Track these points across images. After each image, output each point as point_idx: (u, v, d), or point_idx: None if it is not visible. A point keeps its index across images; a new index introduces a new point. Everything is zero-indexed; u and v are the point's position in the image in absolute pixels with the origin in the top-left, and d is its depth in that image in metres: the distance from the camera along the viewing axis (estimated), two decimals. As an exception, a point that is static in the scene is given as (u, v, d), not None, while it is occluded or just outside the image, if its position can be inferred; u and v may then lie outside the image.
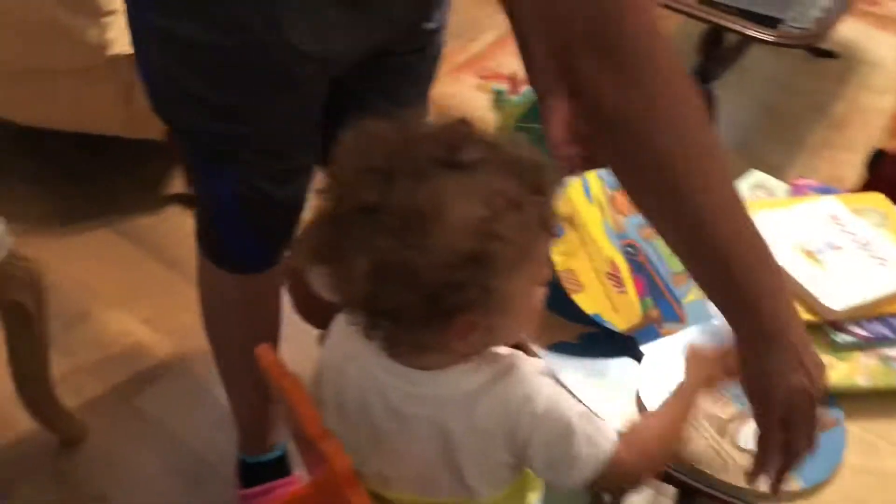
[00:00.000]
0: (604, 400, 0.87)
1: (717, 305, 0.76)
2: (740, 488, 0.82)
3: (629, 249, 1.01)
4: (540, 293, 0.75)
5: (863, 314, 0.94)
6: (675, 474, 0.84)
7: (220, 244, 1.15)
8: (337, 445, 0.74)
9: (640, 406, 0.88)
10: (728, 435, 0.86)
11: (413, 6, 1.01)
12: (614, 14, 0.67)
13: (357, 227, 0.66)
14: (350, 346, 0.78)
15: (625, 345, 0.93)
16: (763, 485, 0.80)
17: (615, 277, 0.98)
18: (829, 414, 0.85)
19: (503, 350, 0.77)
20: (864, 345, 0.92)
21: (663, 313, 0.96)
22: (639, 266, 0.99)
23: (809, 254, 0.98)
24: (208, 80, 0.93)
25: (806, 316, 0.92)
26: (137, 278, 1.78)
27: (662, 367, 0.90)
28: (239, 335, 1.23)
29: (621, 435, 0.76)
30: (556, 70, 1.01)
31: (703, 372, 0.82)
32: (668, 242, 0.77)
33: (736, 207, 0.72)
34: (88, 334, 1.66)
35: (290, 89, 0.95)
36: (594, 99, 0.70)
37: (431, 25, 1.06)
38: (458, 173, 0.66)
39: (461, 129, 0.70)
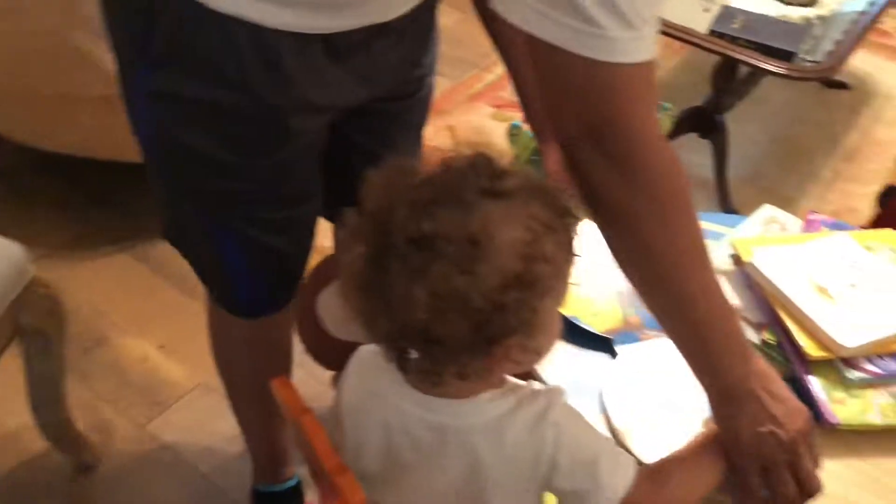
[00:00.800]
0: (571, 391, 0.85)
1: (689, 366, 0.82)
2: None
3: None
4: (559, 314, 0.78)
5: (875, 351, 0.94)
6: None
7: (228, 293, 1.14)
8: (352, 480, 0.75)
9: (601, 405, 0.90)
10: None
11: (404, 59, 1.02)
12: (618, 119, 0.73)
13: (409, 258, 0.68)
14: (374, 384, 0.79)
15: (603, 342, 0.97)
16: None
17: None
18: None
19: (522, 382, 0.79)
20: (877, 381, 0.93)
21: (644, 320, 0.99)
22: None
23: (822, 290, 0.99)
24: (211, 139, 0.92)
25: (818, 352, 0.93)
26: (155, 305, 1.79)
27: (632, 368, 0.93)
28: (250, 376, 1.24)
29: (645, 476, 0.77)
30: (552, 125, 1.04)
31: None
32: (650, 310, 0.82)
33: (712, 287, 0.79)
34: (105, 360, 1.68)
35: (292, 141, 0.95)
36: (594, 189, 0.76)
37: (422, 71, 1.08)
38: (499, 201, 0.69)
39: (490, 161, 0.73)
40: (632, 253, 0.78)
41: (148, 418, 1.58)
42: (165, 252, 1.88)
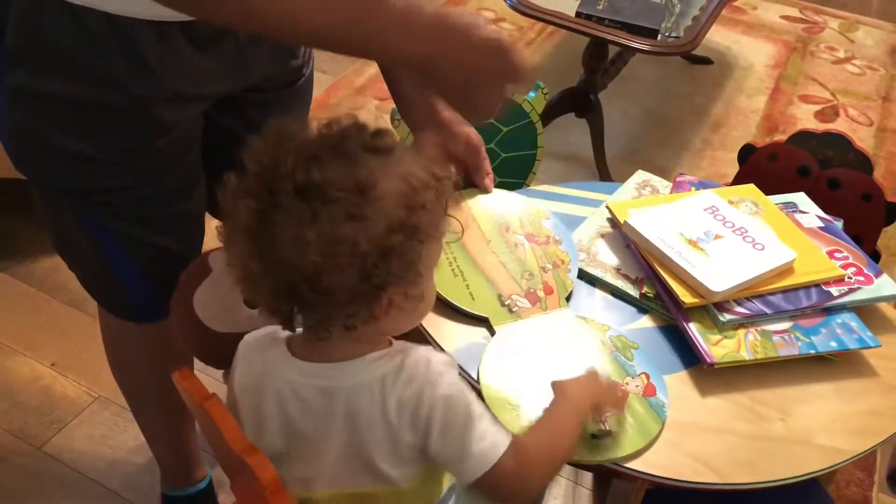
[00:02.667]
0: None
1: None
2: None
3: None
4: (434, 277, 0.83)
5: (743, 294, 1.02)
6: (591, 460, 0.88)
7: (120, 299, 1.12)
8: (262, 458, 0.76)
9: (478, 376, 0.93)
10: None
11: (277, 49, 1.02)
12: None
13: (298, 206, 0.70)
14: (262, 363, 0.81)
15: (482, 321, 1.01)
16: None
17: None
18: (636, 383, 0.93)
19: (410, 344, 0.82)
20: (746, 321, 1.01)
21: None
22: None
23: (692, 243, 1.06)
24: (78, 136, 0.90)
25: (692, 299, 1.00)
26: (42, 322, 1.73)
27: (510, 345, 0.97)
28: (150, 381, 1.22)
29: (513, 444, 0.79)
30: (423, 106, 1.08)
31: (597, 395, 0.87)
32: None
33: None
34: (-7, 383, 1.62)
35: (164, 133, 0.94)
36: None
37: (299, 62, 1.08)
38: (379, 156, 0.74)
39: (367, 125, 0.77)
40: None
41: (45, 439, 1.53)
42: (47, 267, 1.84)
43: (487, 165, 1.16)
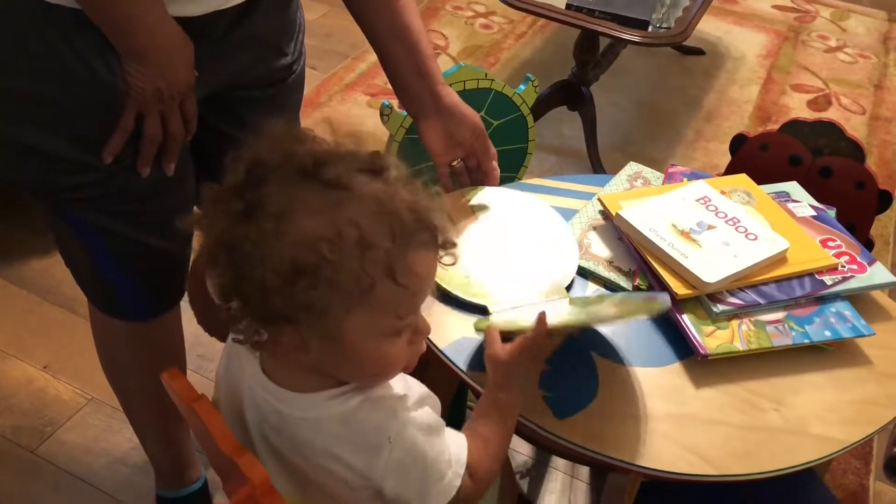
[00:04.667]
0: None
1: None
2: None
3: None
4: (398, 347, 0.74)
5: (736, 285, 1.02)
6: (587, 453, 0.89)
7: (111, 298, 1.11)
8: (252, 459, 0.75)
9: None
10: None
11: (264, 49, 1.02)
12: None
13: (234, 214, 0.69)
14: (239, 366, 0.80)
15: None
16: None
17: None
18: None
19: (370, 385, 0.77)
20: (740, 311, 1.00)
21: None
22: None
23: (685, 234, 1.05)
24: (51, 133, 0.90)
25: (685, 291, 1.00)
26: (34, 324, 1.72)
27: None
28: (143, 381, 1.21)
29: (467, 469, 0.79)
30: (426, 94, 1.07)
31: (511, 372, 0.85)
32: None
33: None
34: (-15, 387, 1.61)
35: (136, 128, 0.93)
36: None
37: (287, 59, 1.07)
38: (325, 191, 0.68)
39: (355, 153, 0.72)
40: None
41: (38, 442, 1.52)
42: (38, 270, 1.83)
43: (493, 148, 1.15)
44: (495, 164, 1.15)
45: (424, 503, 0.77)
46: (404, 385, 0.81)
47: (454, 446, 0.80)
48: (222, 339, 0.91)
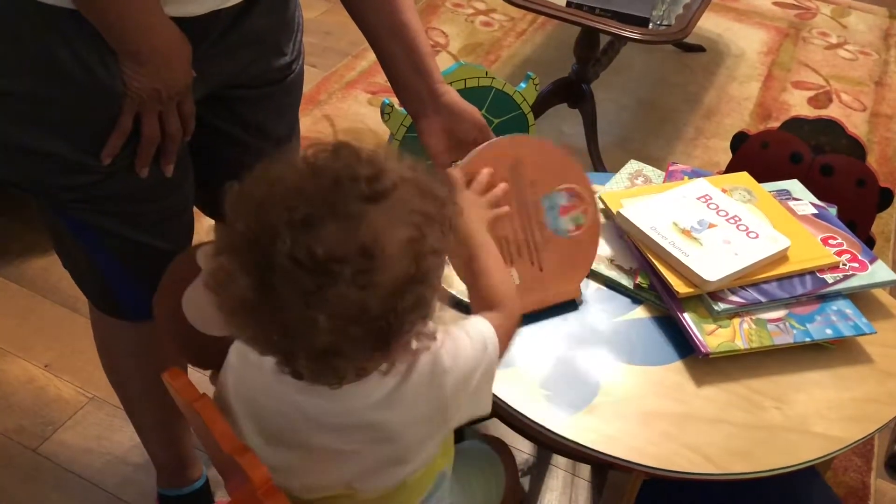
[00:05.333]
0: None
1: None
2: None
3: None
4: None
5: (737, 283, 1.02)
6: (588, 451, 0.89)
7: (111, 298, 1.11)
8: (253, 458, 0.75)
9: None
10: None
11: (262, 49, 1.02)
12: None
13: (301, 281, 0.64)
14: (258, 381, 0.79)
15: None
16: None
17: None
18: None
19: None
20: (741, 310, 1.00)
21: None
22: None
23: (686, 232, 1.05)
24: (49, 134, 0.90)
25: (686, 289, 1.00)
26: (35, 323, 1.72)
27: None
28: (143, 381, 1.21)
29: (495, 334, 0.82)
30: (424, 92, 1.07)
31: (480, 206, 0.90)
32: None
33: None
34: (-14, 385, 1.61)
35: (134, 129, 0.92)
36: None
37: (286, 59, 1.07)
38: (381, 204, 0.67)
39: (360, 157, 0.69)
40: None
41: (40, 440, 1.52)
42: (39, 268, 1.82)
43: None
44: None
45: (480, 398, 0.82)
46: None
47: (477, 335, 0.82)
48: (204, 366, 0.90)
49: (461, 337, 0.80)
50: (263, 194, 0.67)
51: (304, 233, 0.64)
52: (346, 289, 0.64)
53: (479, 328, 0.82)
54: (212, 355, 0.86)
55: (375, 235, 0.65)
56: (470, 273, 0.88)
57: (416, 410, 0.78)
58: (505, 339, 0.84)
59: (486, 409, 0.83)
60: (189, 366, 1.18)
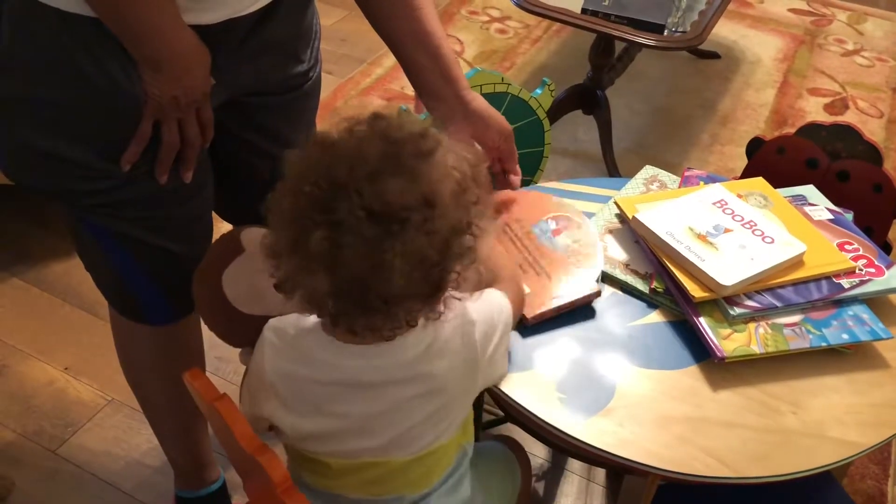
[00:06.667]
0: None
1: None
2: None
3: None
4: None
5: (753, 288, 1.02)
6: (604, 455, 0.89)
7: (131, 302, 1.12)
8: (274, 457, 0.76)
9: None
10: None
11: (278, 58, 1.03)
12: None
13: (372, 232, 0.72)
14: (295, 353, 0.83)
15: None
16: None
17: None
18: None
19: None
20: (757, 315, 1.00)
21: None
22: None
23: (702, 237, 1.06)
24: (70, 140, 0.91)
25: (702, 294, 1.00)
26: (55, 326, 1.74)
27: None
28: (162, 384, 1.23)
29: (510, 302, 0.91)
30: (452, 99, 1.07)
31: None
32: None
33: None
34: (8, 388, 1.63)
35: (155, 135, 0.94)
36: None
37: (304, 67, 1.08)
38: (429, 160, 0.76)
39: (403, 120, 0.78)
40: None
41: (59, 442, 1.54)
42: (59, 272, 1.85)
43: (516, 151, 1.16)
44: (518, 167, 1.16)
45: (497, 350, 0.89)
46: None
47: (495, 298, 0.90)
48: (239, 344, 0.92)
49: (480, 297, 0.87)
50: (327, 157, 0.75)
51: (373, 186, 0.72)
52: (414, 234, 0.72)
53: (493, 294, 0.90)
54: (247, 332, 0.88)
55: (432, 186, 0.74)
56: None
57: (454, 359, 0.83)
58: (515, 313, 0.92)
59: (504, 371, 0.92)
60: (207, 370, 1.19)
